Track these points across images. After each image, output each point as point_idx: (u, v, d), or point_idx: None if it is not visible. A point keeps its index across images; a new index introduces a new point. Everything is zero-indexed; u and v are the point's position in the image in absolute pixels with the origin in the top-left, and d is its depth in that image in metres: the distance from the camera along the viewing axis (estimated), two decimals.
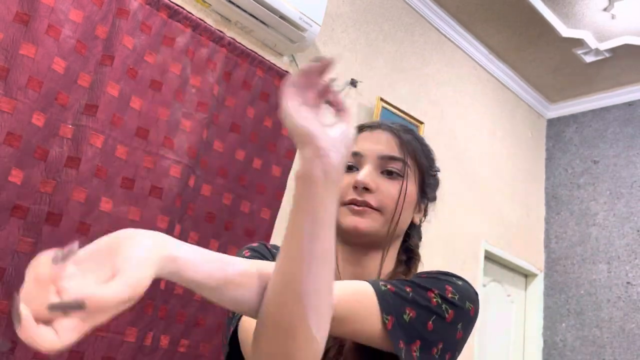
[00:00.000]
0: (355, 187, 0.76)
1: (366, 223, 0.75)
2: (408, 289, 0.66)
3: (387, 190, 0.77)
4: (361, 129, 0.83)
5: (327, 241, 0.53)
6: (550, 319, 3.24)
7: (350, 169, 0.79)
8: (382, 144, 0.79)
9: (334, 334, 0.59)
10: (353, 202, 0.76)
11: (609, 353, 2.93)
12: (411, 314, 0.64)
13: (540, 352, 3.20)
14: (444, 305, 0.66)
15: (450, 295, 0.68)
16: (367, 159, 0.78)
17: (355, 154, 0.79)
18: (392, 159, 0.78)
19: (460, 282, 0.72)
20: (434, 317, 0.65)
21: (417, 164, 0.81)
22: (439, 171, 0.87)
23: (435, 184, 0.86)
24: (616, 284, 3.02)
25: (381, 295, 0.63)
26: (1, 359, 1.32)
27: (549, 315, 3.25)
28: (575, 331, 3.10)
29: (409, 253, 0.83)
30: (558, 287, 3.27)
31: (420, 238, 0.87)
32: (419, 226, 0.86)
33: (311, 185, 0.51)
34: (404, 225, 0.80)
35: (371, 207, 0.76)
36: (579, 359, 3.03)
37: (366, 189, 0.76)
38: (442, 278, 0.71)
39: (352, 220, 0.75)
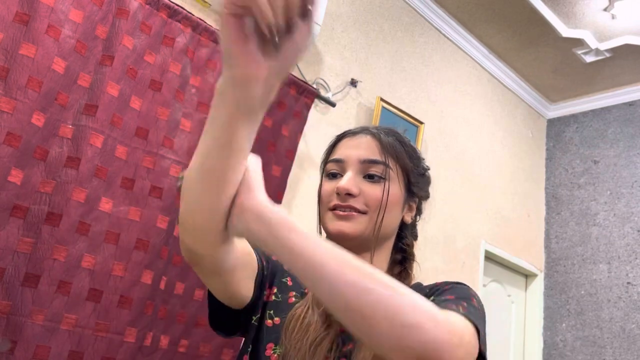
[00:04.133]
0: (338, 194, 0.77)
1: (352, 227, 0.76)
2: (466, 303, 0.66)
3: (371, 193, 0.77)
4: (344, 136, 0.84)
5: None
6: (550, 319, 3.24)
7: (334, 176, 0.80)
8: (362, 148, 0.80)
9: None
10: (337, 207, 0.77)
11: (609, 353, 2.93)
12: (483, 328, 0.65)
13: (541, 352, 3.19)
14: (482, 311, 0.69)
15: (479, 300, 0.71)
16: (349, 164, 0.79)
17: (337, 161, 0.80)
18: (373, 162, 0.78)
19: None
20: (485, 324, 0.67)
21: (399, 165, 0.81)
22: (428, 169, 0.87)
23: (425, 181, 0.87)
24: (616, 284, 3.02)
25: (471, 318, 0.62)
26: (1, 359, 1.32)
27: (549, 315, 3.25)
28: (576, 331, 3.10)
29: (403, 253, 0.84)
30: (558, 287, 3.26)
31: (415, 237, 0.87)
32: (413, 225, 0.86)
33: (225, 106, 0.55)
34: (391, 225, 0.80)
35: (357, 210, 0.76)
36: (579, 359, 3.03)
37: (349, 195, 0.76)
38: (460, 287, 0.73)
39: (338, 225, 0.76)
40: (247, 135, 0.56)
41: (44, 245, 1.39)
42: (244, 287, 0.73)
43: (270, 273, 0.81)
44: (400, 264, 0.83)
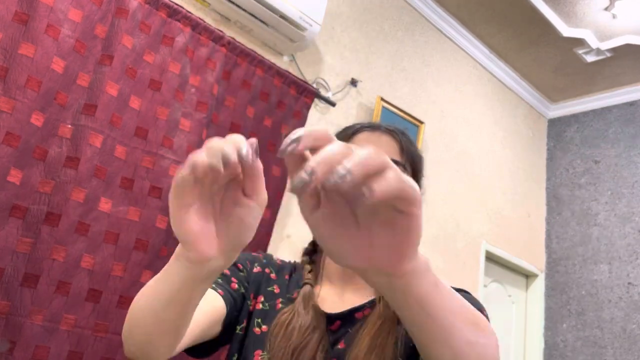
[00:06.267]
0: None
1: None
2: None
3: None
4: (361, 129, 0.82)
5: None
6: (551, 320, 3.23)
7: None
8: (383, 147, 0.79)
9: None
10: None
11: (610, 354, 2.92)
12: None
13: (542, 352, 3.19)
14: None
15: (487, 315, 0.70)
16: None
17: None
18: (394, 163, 0.77)
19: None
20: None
21: (413, 170, 0.81)
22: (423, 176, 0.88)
23: (421, 187, 0.87)
24: (617, 284, 3.01)
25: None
26: (0, 359, 1.32)
27: (550, 315, 3.24)
28: (577, 332, 3.09)
29: None
30: (559, 288, 3.26)
31: None
32: None
33: (182, 274, 0.52)
34: None
35: None
36: (580, 359, 3.03)
37: None
38: (471, 296, 0.73)
39: None
40: (206, 289, 0.53)
41: (43, 245, 1.39)
42: (215, 332, 0.73)
43: (254, 283, 0.80)
44: None
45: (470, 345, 0.47)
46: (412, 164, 0.81)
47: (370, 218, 0.38)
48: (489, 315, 0.69)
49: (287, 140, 0.36)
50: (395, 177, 0.34)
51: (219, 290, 0.73)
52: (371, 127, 0.82)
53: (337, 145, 0.35)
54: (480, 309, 0.69)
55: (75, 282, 1.42)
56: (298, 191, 0.34)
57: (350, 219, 0.39)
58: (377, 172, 0.34)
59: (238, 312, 0.76)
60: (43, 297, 1.37)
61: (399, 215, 0.36)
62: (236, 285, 0.77)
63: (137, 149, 1.59)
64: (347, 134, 0.83)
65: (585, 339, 3.04)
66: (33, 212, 1.40)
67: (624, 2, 2.65)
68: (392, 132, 0.81)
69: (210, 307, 0.70)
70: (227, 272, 0.78)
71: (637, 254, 3.00)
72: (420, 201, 0.37)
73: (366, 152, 0.34)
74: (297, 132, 0.36)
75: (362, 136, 0.81)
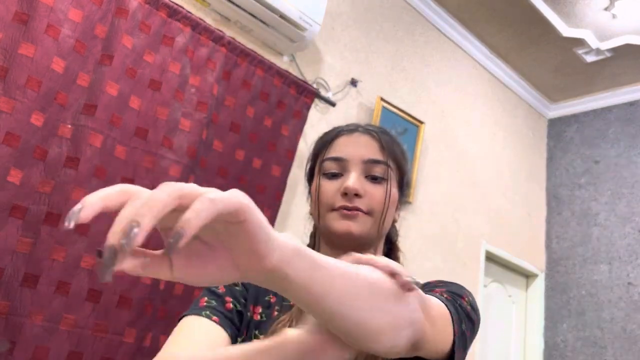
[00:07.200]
0: (344, 194, 0.76)
1: (358, 227, 0.76)
2: (451, 297, 0.67)
3: (375, 194, 0.77)
4: (339, 133, 0.83)
5: None
6: (551, 320, 3.23)
7: (333, 175, 0.79)
8: (363, 147, 0.79)
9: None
10: (343, 208, 0.76)
11: (610, 354, 2.92)
12: (464, 324, 0.64)
13: (541, 352, 3.19)
14: (472, 313, 0.69)
15: (471, 301, 0.71)
16: (352, 164, 0.78)
17: (338, 159, 0.79)
18: (376, 162, 0.78)
19: (467, 290, 0.75)
20: (471, 325, 0.67)
21: (397, 165, 0.81)
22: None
23: (409, 181, 0.88)
24: (617, 284, 3.01)
25: (449, 305, 0.62)
26: (0, 359, 1.32)
27: (550, 315, 3.24)
28: (577, 332, 3.09)
29: (389, 245, 0.86)
30: (559, 288, 3.26)
31: (397, 234, 0.88)
32: (395, 222, 0.87)
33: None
34: (388, 225, 0.82)
35: (362, 211, 0.77)
36: (580, 359, 3.03)
37: (356, 195, 0.76)
38: (456, 285, 0.74)
39: (345, 225, 0.76)
40: None
41: (43, 245, 1.39)
42: None
43: (252, 293, 0.79)
44: (388, 257, 0.84)
45: (372, 316, 0.46)
46: (396, 161, 0.81)
47: (215, 236, 0.38)
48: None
49: (69, 215, 0.33)
50: (202, 205, 0.33)
51: (214, 317, 0.71)
52: (349, 129, 0.82)
53: (129, 206, 0.33)
54: (458, 294, 0.70)
55: (75, 282, 1.42)
56: (107, 277, 0.31)
57: (201, 247, 0.39)
58: (179, 207, 0.33)
59: (238, 328, 0.75)
60: (43, 297, 1.37)
61: (233, 227, 0.36)
62: (231, 305, 0.75)
63: (137, 149, 1.58)
64: (326, 140, 0.83)
65: (585, 339, 3.04)
66: (33, 212, 1.40)
67: (624, 2, 2.65)
68: (370, 132, 0.81)
69: (214, 344, 0.68)
70: (222, 289, 0.76)
71: (637, 254, 3.00)
72: (246, 204, 0.35)
73: (150, 196, 0.33)
74: (77, 206, 0.34)
75: (341, 140, 0.81)
